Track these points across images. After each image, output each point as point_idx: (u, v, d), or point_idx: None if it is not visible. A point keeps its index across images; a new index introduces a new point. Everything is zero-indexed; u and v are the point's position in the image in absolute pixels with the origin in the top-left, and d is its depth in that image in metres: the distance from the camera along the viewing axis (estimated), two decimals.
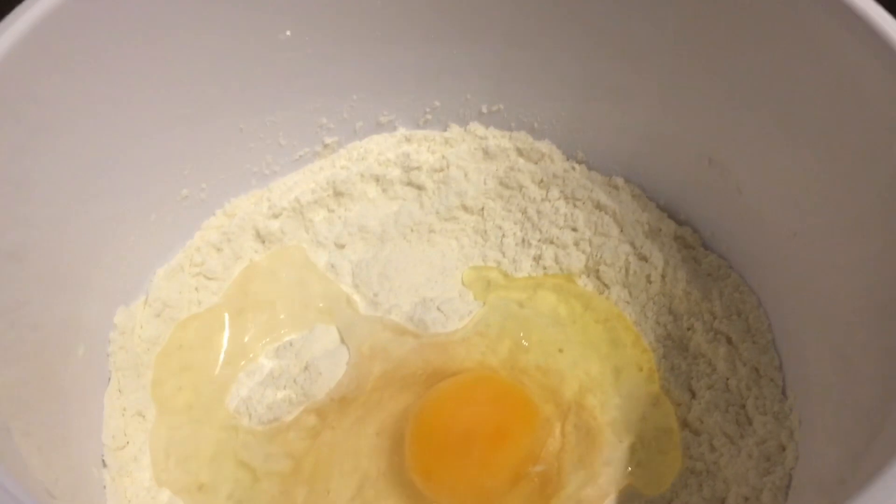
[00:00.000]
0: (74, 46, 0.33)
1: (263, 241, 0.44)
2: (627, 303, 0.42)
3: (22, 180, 0.32)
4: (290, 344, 0.41)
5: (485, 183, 0.46)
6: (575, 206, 0.44)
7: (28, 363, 0.31)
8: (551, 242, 0.44)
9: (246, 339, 0.41)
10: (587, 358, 0.40)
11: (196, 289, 0.42)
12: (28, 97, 0.31)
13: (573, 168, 0.46)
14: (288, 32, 0.41)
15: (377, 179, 0.46)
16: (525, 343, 0.41)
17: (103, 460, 0.36)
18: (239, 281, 0.43)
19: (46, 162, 0.33)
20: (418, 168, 0.46)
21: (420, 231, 0.45)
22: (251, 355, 0.40)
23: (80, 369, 0.36)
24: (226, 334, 0.41)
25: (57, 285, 0.34)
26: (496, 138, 0.46)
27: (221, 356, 0.40)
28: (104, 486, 0.36)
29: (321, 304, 0.42)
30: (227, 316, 0.41)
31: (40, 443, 0.29)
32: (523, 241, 0.44)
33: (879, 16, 0.31)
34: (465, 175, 0.45)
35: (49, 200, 0.33)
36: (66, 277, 0.35)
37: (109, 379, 0.38)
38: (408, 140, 0.47)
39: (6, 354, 0.29)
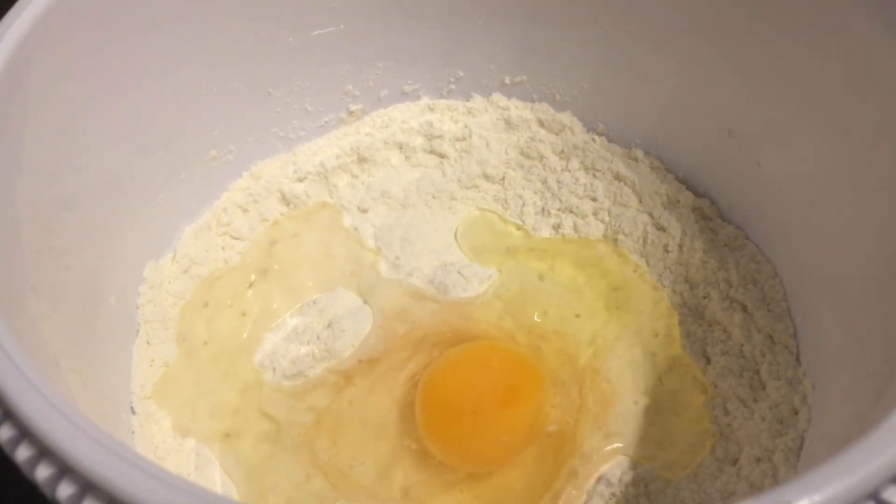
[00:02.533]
0: (120, 14, 0.35)
1: (288, 204, 0.45)
2: (645, 271, 0.43)
3: (76, 134, 0.33)
4: (314, 302, 0.42)
5: (506, 153, 0.46)
6: (595, 176, 0.45)
7: (72, 307, 0.32)
8: (570, 212, 0.45)
9: (269, 297, 0.42)
10: (603, 323, 0.41)
11: (222, 248, 0.43)
12: (81, 60, 0.33)
13: (593, 140, 0.46)
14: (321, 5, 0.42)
15: (400, 147, 0.47)
16: (543, 307, 0.42)
17: (132, 407, 0.37)
18: (264, 240, 0.43)
19: (95, 119, 0.34)
20: (441, 137, 0.47)
21: (441, 198, 0.46)
22: (275, 313, 0.41)
23: (111, 319, 0.37)
24: (249, 293, 0.42)
25: (97, 236, 0.35)
26: (518, 109, 0.47)
27: (245, 314, 0.41)
28: (132, 432, 0.37)
29: (344, 265, 0.43)
30: (252, 275, 0.42)
31: (83, 380, 0.30)
32: (543, 209, 0.45)
33: None
34: (487, 144, 0.46)
35: (96, 154, 0.35)
36: (104, 229, 0.36)
37: (138, 331, 0.39)
38: (431, 109, 0.48)
39: (58, 295, 0.31)
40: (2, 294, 0.25)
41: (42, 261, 0.29)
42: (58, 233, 0.31)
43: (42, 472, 0.22)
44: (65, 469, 0.21)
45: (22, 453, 0.22)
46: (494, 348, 0.40)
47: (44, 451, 0.22)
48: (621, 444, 0.37)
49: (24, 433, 0.22)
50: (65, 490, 0.21)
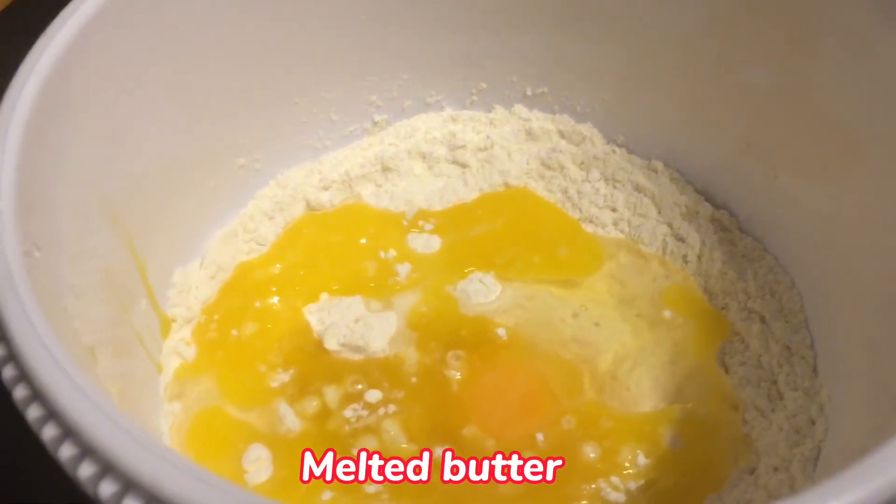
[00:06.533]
0: (150, 25, 0.36)
1: (314, 212, 0.46)
2: (665, 280, 0.43)
3: (115, 140, 0.35)
4: (340, 300, 0.42)
5: (527, 163, 0.47)
6: (615, 187, 0.46)
7: (106, 308, 0.33)
8: (590, 221, 0.45)
9: (291, 298, 0.42)
10: (622, 331, 0.41)
11: (248, 254, 0.44)
12: (119, 70, 0.35)
13: (613, 151, 0.47)
14: (347, 16, 0.43)
15: (423, 156, 0.48)
16: (561, 315, 0.42)
17: (161, 411, 0.38)
18: (286, 241, 0.45)
19: (132, 126, 0.36)
20: (463, 147, 0.47)
21: None
22: (299, 311, 0.42)
23: (142, 322, 0.38)
24: (272, 298, 0.43)
25: (129, 240, 0.36)
26: (539, 120, 0.48)
27: (269, 314, 0.42)
28: (161, 435, 0.37)
29: (367, 271, 0.44)
30: (275, 275, 0.43)
31: (116, 382, 0.31)
32: None
33: None
34: (509, 155, 0.47)
35: (133, 160, 0.36)
36: (136, 234, 0.37)
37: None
38: (454, 120, 0.49)
39: (92, 295, 0.32)
40: (43, 292, 0.26)
41: (79, 261, 0.30)
42: (95, 234, 0.32)
43: (85, 471, 0.22)
44: (107, 468, 0.22)
45: (65, 452, 0.23)
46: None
47: (87, 451, 0.22)
48: (641, 452, 0.38)
49: (68, 432, 0.23)
50: (107, 488, 0.22)
